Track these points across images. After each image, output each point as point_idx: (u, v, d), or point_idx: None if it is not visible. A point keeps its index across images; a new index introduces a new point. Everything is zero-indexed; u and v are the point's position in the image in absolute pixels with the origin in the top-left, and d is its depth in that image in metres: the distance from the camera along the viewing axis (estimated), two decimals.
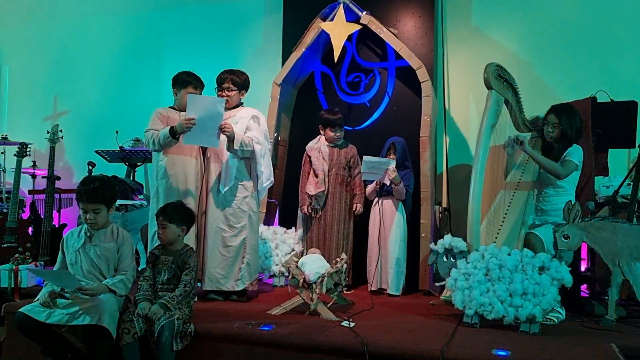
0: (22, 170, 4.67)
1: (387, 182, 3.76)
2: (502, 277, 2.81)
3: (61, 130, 4.66)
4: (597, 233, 2.95)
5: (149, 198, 3.68)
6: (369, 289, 3.85)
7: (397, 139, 3.94)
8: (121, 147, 4.92)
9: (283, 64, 4.53)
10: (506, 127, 3.48)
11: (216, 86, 3.56)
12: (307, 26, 4.37)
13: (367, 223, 3.99)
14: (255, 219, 3.56)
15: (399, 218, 3.84)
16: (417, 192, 3.97)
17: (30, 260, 3.92)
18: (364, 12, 4.24)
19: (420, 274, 3.91)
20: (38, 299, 2.62)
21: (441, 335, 2.67)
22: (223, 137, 3.31)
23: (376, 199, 3.93)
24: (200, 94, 3.51)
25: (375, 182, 3.88)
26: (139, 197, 4.67)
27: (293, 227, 4.17)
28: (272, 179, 3.60)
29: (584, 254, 3.72)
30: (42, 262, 4.16)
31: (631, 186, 3.47)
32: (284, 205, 4.60)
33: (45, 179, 4.58)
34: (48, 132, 4.60)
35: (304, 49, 4.34)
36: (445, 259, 3.10)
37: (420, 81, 4.02)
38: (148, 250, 3.30)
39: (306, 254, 3.52)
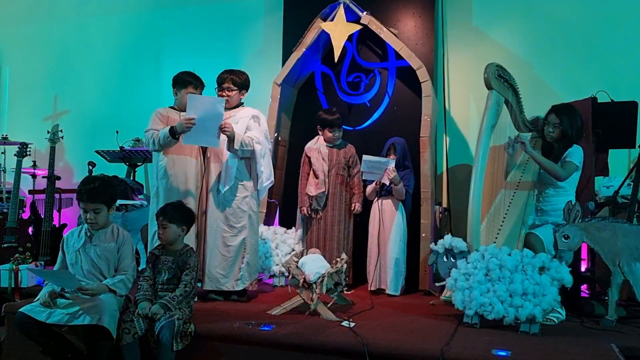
0: (23, 170, 4.67)
1: (387, 182, 3.76)
2: (502, 277, 2.81)
3: (61, 130, 4.66)
4: (597, 233, 2.95)
5: (149, 198, 3.68)
6: (368, 289, 3.85)
7: (397, 140, 3.94)
8: (121, 147, 4.93)
9: (283, 64, 4.53)
10: (506, 127, 3.48)
11: (216, 86, 3.56)
12: (307, 26, 4.37)
13: (367, 223, 3.98)
14: (255, 218, 3.56)
15: (398, 218, 3.84)
16: (417, 192, 3.97)
17: (30, 260, 3.93)
18: (364, 12, 4.24)
19: (421, 274, 3.91)
20: (38, 299, 2.62)
21: (441, 335, 2.67)
22: (223, 137, 3.31)
23: (376, 199, 3.93)
24: (201, 93, 3.51)
25: (375, 182, 3.88)
26: (139, 197, 4.67)
27: (293, 227, 4.17)
28: (273, 179, 3.60)
29: (584, 254, 3.72)
30: (42, 262, 4.17)
31: (631, 186, 3.47)
32: (284, 205, 4.60)
33: (46, 179, 4.59)
34: (48, 132, 4.60)
35: (304, 49, 4.34)
36: (445, 259, 3.10)
37: (421, 81, 4.03)
38: (148, 250, 3.30)
39: (306, 254, 3.51)
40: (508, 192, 3.48)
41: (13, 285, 3.69)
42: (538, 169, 3.40)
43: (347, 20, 4.26)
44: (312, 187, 3.93)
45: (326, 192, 3.92)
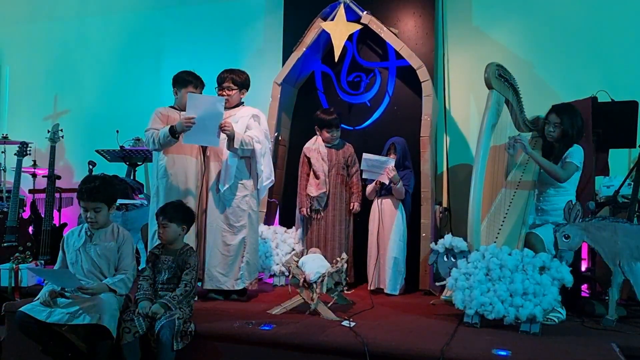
0: (23, 169, 4.68)
1: (386, 181, 3.76)
2: (503, 277, 2.81)
3: (61, 130, 4.67)
4: (597, 233, 2.94)
5: (149, 197, 3.68)
6: (368, 289, 3.85)
7: (397, 139, 3.94)
8: (122, 147, 4.93)
9: (283, 63, 4.53)
10: (507, 127, 3.48)
11: (216, 85, 3.56)
12: (307, 26, 4.37)
13: (368, 222, 3.98)
14: (255, 218, 3.55)
15: (398, 218, 3.84)
16: (417, 191, 3.97)
17: (30, 260, 3.93)
18: (365, 12, 4.24)
19: (421, 274, 3.91)
20: (38, 298, 2.62)
21: (442, 335, 2.67)
22: (223, 136, 3.31)
23: (376, 199, 3.93)
24: (201, 93, 3.51)
25: (375, 181, 3.88)
26: (140, 196, 4.67)
27: (293, 227, 4.17)
28: (273, 178, 3.60)
29: (584, 253, 3.72)
30: (43, 261, 4.17)
31: (632, 186, 3.47)
32: (284, 204, 4.60)
33: (46, 178, 4.59)
34: (48, 132, 4.61)
35: (304, 49, 4.34)
36: (445, 259, 3.10)
37: (421, 81, 4.02)
38: (148, 250, 3.30)
39: (306, 254, 3.51)
40: (508, 192, 3.48)
41: (13, 285, 3.69)
42: (538, 168, 3.40)
43: (348, 20, 4.26)
44: (312, 188, 3.92)
45: (327, 193, 3.92)
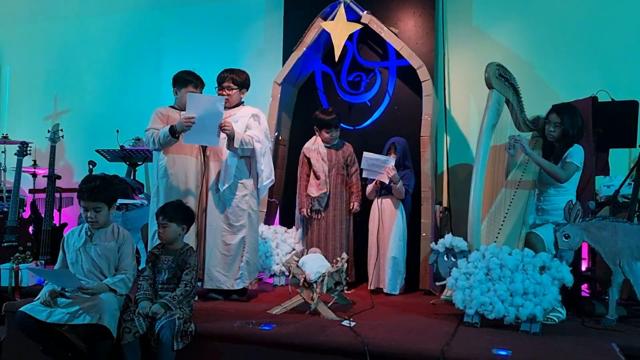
0: (23, 169, 4.67)
1: (386, 181, 3.76)
2: (503, 277, 2.81)
3: (62, 130, 4.66)
4: (597, 233, 2.94)
5: (150, 197, 3.68)
6: (368, 288, 3.85)
7: (398, 139, 3.94)
8: (122, 146, 4.92)
9: (284, 63, 4.53)
10: (507, 127, 3.48)
11: (216, 85, 3.56)
12: (307, 25, 4.37)
13: (368, 222, 3.98)
14: (255, 217, 3.55)
15: (398, 217, 3.84)
16: (417, 191, 3.96)
17: (30, 259, 3.93)
18: (365, 12, 4.24)
19: (421, 274, 3.91)
20: (39, 298, 2.62)
21: (442, 334, 2.67)
22: (223, 136, 3.31)
23: (376, 198, 3.93)
24: (201, 93, 3.51)
25: (375, 181, 3.87)
26: (140, 196, 4.67)
27: (294, 227, 4.17)
28: (273, 178, 3.60)
29: (584, 253, 3.72)
30: (43, 261, 4.17)
31: (632, 186, 3.47)
32: (284, 204, 4.60)
33: (46, 178, 4.59)
34: (49, 131, 4.60)
35: (304, 49, 4.34)
36: (446, 259, 3.10)
37: (421, 80, 4.02)
38: (148, 250, 3.30)
39: (307, 254, 3.51)
40: (509, 192, 3.48)
41: (13, 285, 3.69)
42: (539, 168, 3.40)
43: (348, 20, 4.26)
44: (313, 189, 3.92)
45: (328, 193, 3.92)
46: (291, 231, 4.15)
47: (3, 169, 5.47)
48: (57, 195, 4.77)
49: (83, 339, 2.69)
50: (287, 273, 3.78)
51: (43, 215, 4.45)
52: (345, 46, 4.35)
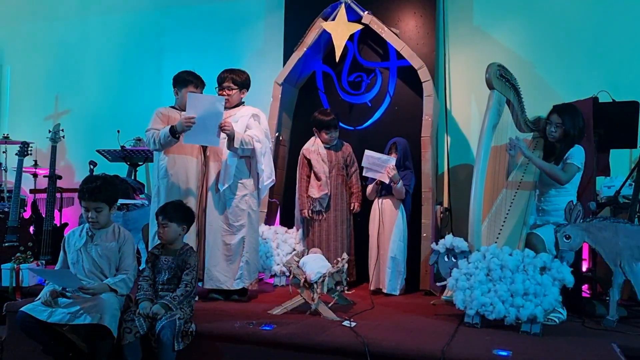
0: (24, 169, 4.68)
1: (387, 181, 3.76)
2: (504, 277, 2.81)
3: (62, 130, 4.67)
4: (598, 233, 2.94)
5: (150, 197, 3.68)
6: (369, 289, 3.85)
7: (399, 140, 3.94)
8: (122, 147, 4.93)
9: (284, 63, 4.54)
10: (508, 127, 3.48)
11: (217, 85, 3.56)
12: (308, 26, 4.37)
13: (369, 222, 3.98)
14: (255, 217, 3.55)
15: (398, 218, 3.83)
16: (418, 191, 3.97)
17: (31, 260, 3.93)
18: (366, 12, 4.24)
19: (421, 274, 3.92)
20: (39, 298, 2.62)
21: (442, 335, 2.67)
22: (223, 136, 3.31)
23: (376, 199, 3.93)
24: (201, 93, 3.51)
25: (375, 181, 3.87)
26: (141, 196, 4.67)
27: (294, 227, 4.17)
28: (274, 178, 3.60)
29: (585, 254, 3.72)
30: (44, 261, 4.17)
31: (633, 186, 3.47)
32: (285, 205, 4.60)
33: (47, 178, 4.59)
34: (49, 132, 4.61)
35: (305, 49, 4.34)
36: (446, 259, 3.10)
37: (422, 81, 4.02)
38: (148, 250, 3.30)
39: (307, 254, 3.51)
40: (509, 192, 3.48)
41: (14, 285, 3.70)
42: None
43: (349, 20, 4.26)
44: (314, 190, 3.92)
45: (329, 194, 3.91)
46: (292, 231, 4.15)
47: (4, 169, 5.47)
48: (58, 195, 4.78)
49: (84, 339, 2.69)
50: (287, 273, 3.78)
51: (44, 216, 4.46)
52: (346, 46, 4.35)
